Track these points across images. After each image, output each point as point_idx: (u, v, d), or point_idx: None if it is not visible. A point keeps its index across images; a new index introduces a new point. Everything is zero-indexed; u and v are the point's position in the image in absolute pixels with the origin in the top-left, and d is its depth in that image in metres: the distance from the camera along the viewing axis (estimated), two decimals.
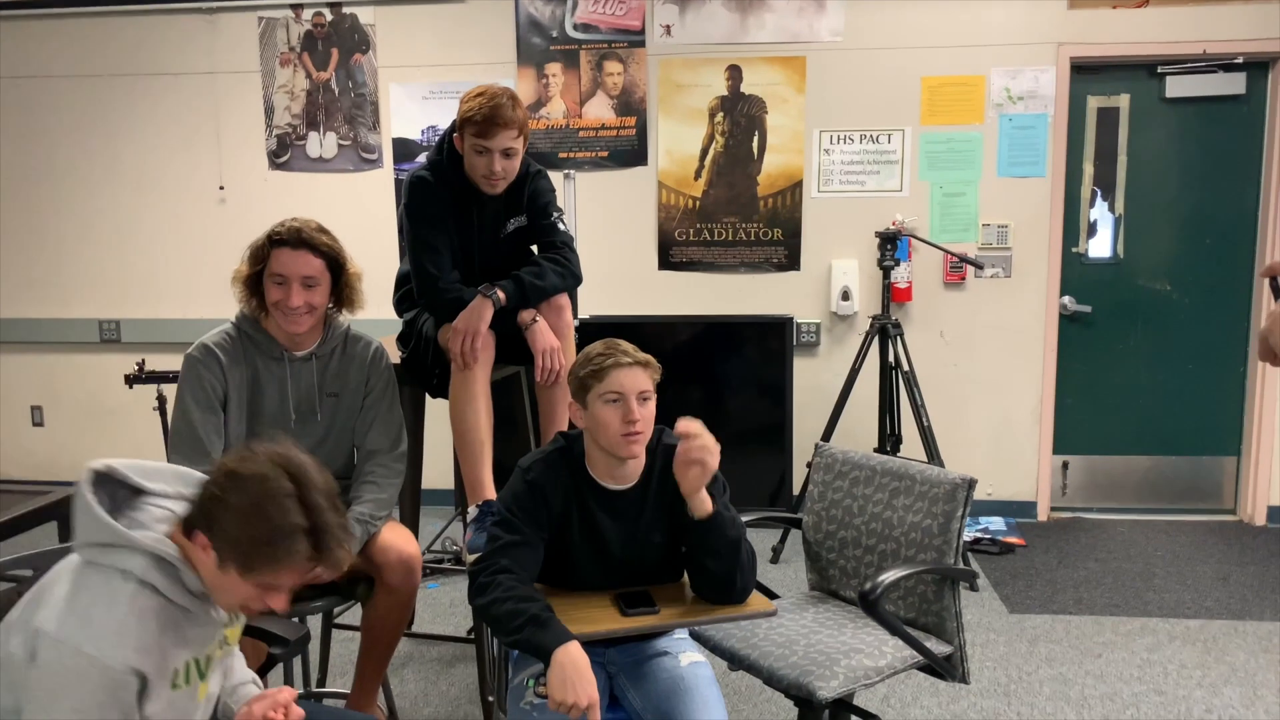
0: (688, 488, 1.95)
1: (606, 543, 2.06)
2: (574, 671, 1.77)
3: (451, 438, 2.55)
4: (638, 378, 1.98)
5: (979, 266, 4.30)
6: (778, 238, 4.62)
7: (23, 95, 4.89)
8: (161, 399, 4.07)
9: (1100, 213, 4.62)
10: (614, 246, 4.66)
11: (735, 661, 2.35)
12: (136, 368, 4.06)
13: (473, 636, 3.20)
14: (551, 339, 2.52)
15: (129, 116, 4.86)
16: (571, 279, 2.59)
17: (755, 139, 4.58)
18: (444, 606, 3.77)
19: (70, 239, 4.97)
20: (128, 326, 4.95)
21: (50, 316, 5.02)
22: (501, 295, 2.46)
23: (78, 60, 4.83)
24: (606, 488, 2.05)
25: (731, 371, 4.57)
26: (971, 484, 2.34)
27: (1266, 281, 1.66)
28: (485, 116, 2.40)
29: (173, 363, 4.18)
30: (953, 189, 4.53)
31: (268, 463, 1.49)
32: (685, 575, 2.12)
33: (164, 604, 1.52)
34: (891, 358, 4.13)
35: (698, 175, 4.62)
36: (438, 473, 4.16)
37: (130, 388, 4.06)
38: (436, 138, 4.18)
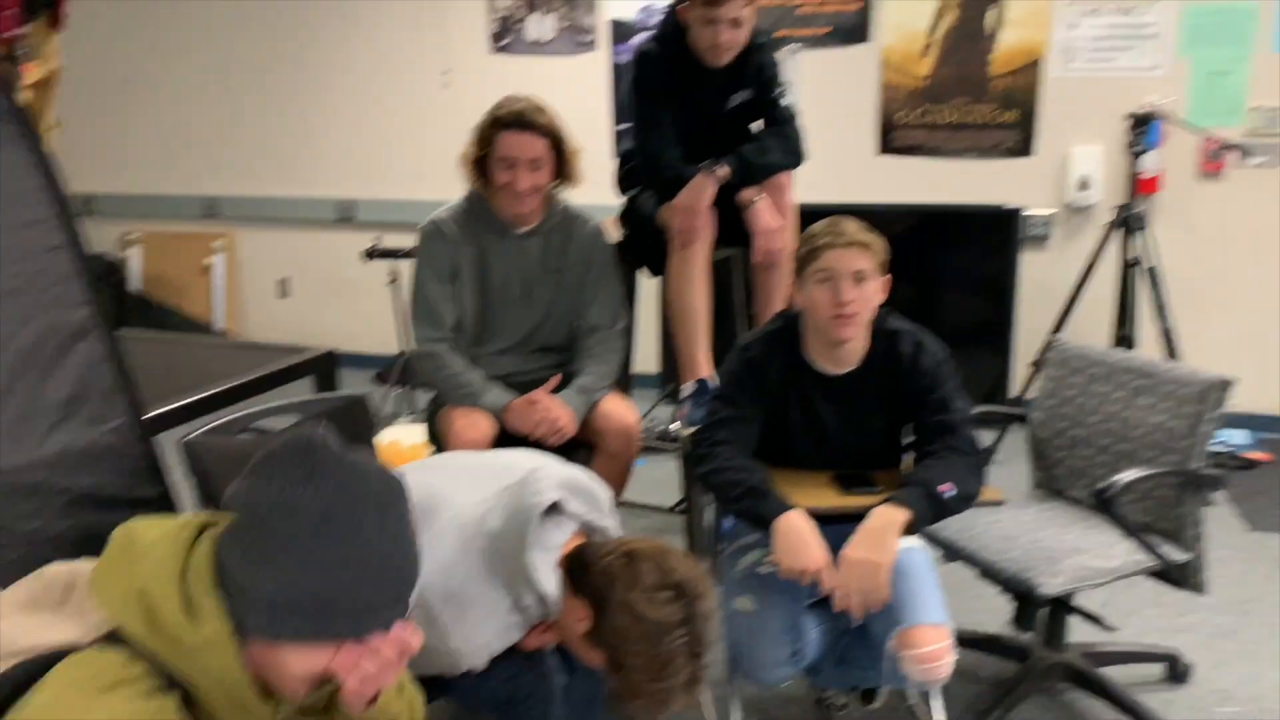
0: None
1: (824, 426, 2.04)
2: (798, 538, 1.78)
3: (658, 321, 2.58)
4: (853, 258, 1.91)
5: (1245, 153, 3.86)
6: (1010, 121, 4.31)
7: None
8: (394, 274, 4.32)
9: None
10: (831, 129, 4.47)
11: (952, 552, 2.31)
12: (373, 243, 4.32)
13: (682, 508, 3.29)
14: (772, 219, 2.48)
15: None
16: (795, 157, 2.53)
17: (991, 13, 4.24)
18: (650, 482, 3.88)
19: (311, 121, 5.29)
20: (363, 206, 5.26)
21: (294, 195, 5.39)
22: (724, 172, 2.43)
23: None
24: (824, 371, 2.02)
25: (952, 264, 4.36)
26: (1226, 385, 2.17)
27: None
28: None
29: (404, 241, 4.43)
30: (1218, 67, 4.06)
31: (674, 603, 1.47)
32: (906, 460, 2.08)
33: (523, 626, 1.60)
34: (1132, 254, 3.82)
35: (925, 53, 4.34)
36: (643, 356, 4.24)
37: (367, 262, 4.34)
38: (653, 19, 4.13)
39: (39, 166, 1.92)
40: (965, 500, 1.88)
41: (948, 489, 1.83)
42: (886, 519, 1.80)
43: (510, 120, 2.33)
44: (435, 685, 1.63)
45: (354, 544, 1.02)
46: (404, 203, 5.11)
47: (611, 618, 1.49)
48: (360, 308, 5.35)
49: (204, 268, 5.54)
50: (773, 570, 1.86)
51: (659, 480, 3.91)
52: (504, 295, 2.48)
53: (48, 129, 2.72)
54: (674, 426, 2.44)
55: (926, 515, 1.82)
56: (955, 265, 4.35)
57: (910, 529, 1.81)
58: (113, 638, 1.06)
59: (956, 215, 4.34)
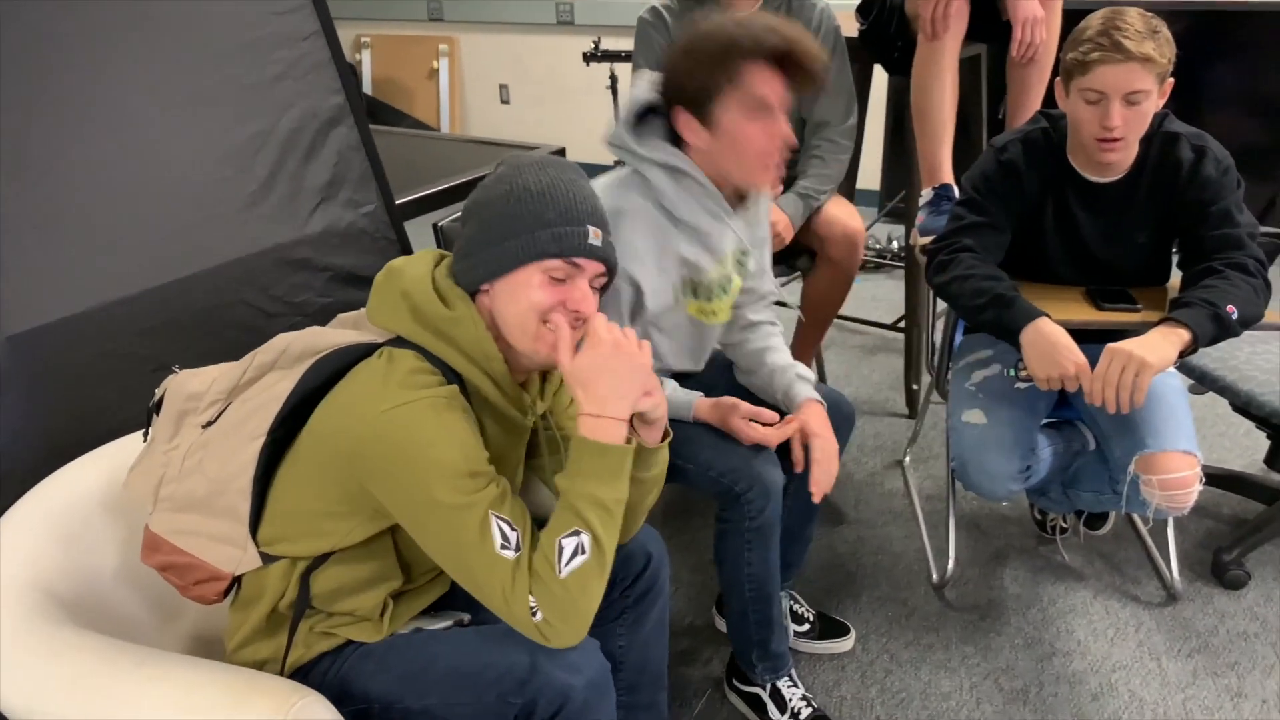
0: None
1: (1083, 239, 1.89)
2: (1050, 345, 1.69)
3: (884, 132, 2.41)
4: (1130, 76, 1.66)
5: None
6: None
7: None
8: (613, 78, 4.27)
9: None
10: None
11: (1206, 382, 2.14)
12: (593, 45, 4.26)
13: (900, 327, 3.21)
14: (1035, 7, 2.23)
15: None
16: None
17: None
18: (866, 300, 3.81)
19: None
20: (580, 9, 5.18)
21: None
22: None
23: None
24: (1088, 179, 1.85)
25: (1223, 75, 3.85)
26: None
27: None
28: None
29: (624, 43, 4.35)
30: None
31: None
32: (1172, 279, 1.91)
33: (661, 211, 1.60)
34: None
35: None
36: (863, 171, 4.06)
37: (587, 65, 4.30)
38: None
39: None
40: (1246, 324, 1.70)
41: (1232, 310, 1.66)
42: (1163, 334, 1.65)
43: None
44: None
45: (513, 184, 1.24)
46: (623, 3, 4.98)
47: (677, 70, 1.55)
48: (579, 114, 5.36)
49: (430, 72, 5.67)
50: (1030, 384, 1.76)
51: (877, 298, 3.83)
52: None
53: None
54: (915, 240, 2.32)
55: (1208, 336, 1.66)
56: (1227, 76, 3.86)
57: (1189, 350, 1.66)
58: (398, 344, 1.25)
59: (1235, 14, 3.79)
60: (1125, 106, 1.69)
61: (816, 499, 1.70)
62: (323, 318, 1.60)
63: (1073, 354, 1.67)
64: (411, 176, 2.59)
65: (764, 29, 1.51)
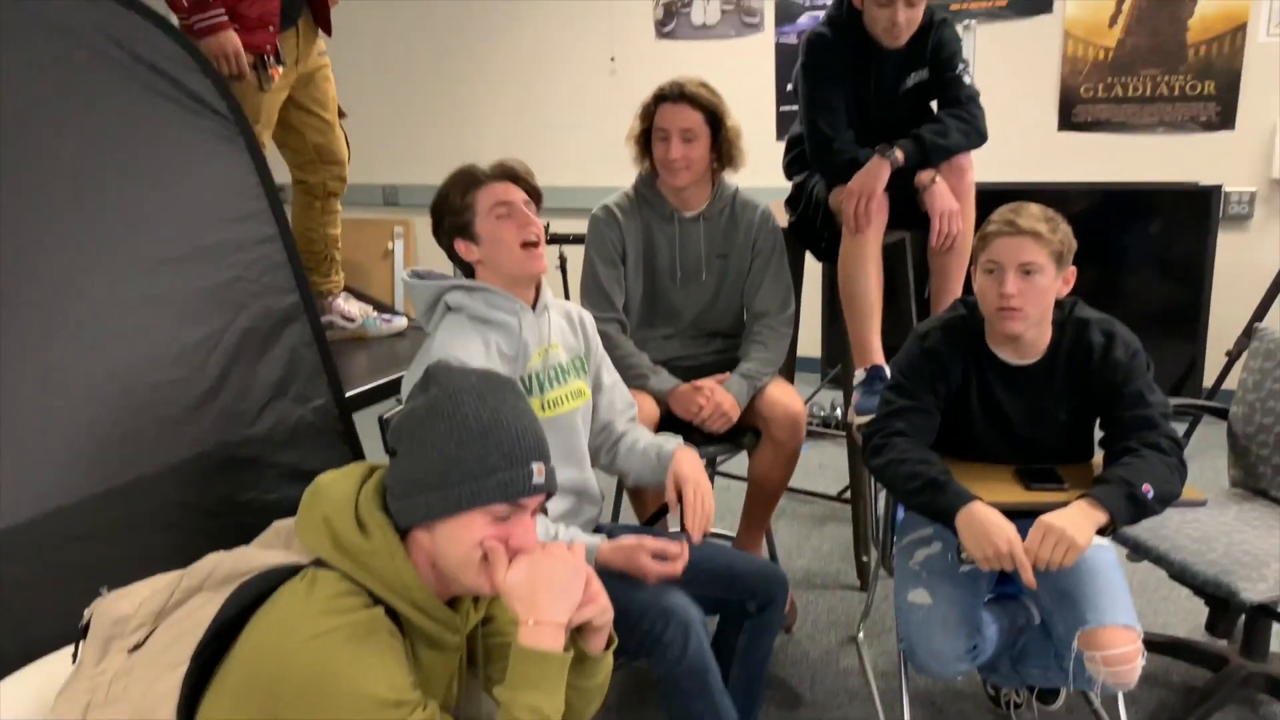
0: None
1: (1007, 418, 1.97)
2: (982, 527, 1.74)
3: (822, 303, 2.54)
4: (1021, 249, 1.81)
5: None
6: (1208, 92, 4.01)
7: None
8: (562, 259, 4.42)
9: None
10: (1007, 105, 4.29)
11: (1140, 552, 2.20)
12: (543, 228, 4.44)
13: (847, 497, 3.26)
14: (951, 201, 2.41)
15: None
16: (976, 137, 2.44)
17: None
18: (814, 468, 3.87)
19: (480, 111, 5.47)
20: None
21: None
22: (899, 155, 2.37)
23: None
24: (1007, 362, 1.95)
25: (1138, 246, 4.10)
26: None
27: None
28: None
29: (572, 226, 4.54)
30: None
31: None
32: (1096, 455, 1.99)
33: (472, 320, 1.86)
34: None
35: (1113, 22, 4.10)
36: (805, 339, 4.20)
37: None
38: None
39: (252, 163, 2.08)
40: (1164, 502, 1.78)
41: (1148, 490, 1.74)
42: (1085, 513, 1.73)
43: (669, 93, 2.40)
44: None
45: (454, 421, 1.20)
46: (571, 189, 5.21)
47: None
48: None
49: (385, 252, 5.83)
50: (972, 566, 1.81)
51: (823, 465, 3.89)
52: (670, 279, 2.51)
53: (330, 121, 3.22)
54: (852, 420, 2.40)
55: (1125, 516, 1.74)
56: (1141, 247, 4.10)
57: (1108, 530, 1.73)
58: (321, 564, 1.23)
59: (1145, 194, 4.08)
60: (1020, 277, 1.82)
61: (695, 540, 1.78)
62: (267, 516, 1.61)
63: (1005, 532, 1.73)
64: (367, 366, 2.65)
65: (486, 166, 1.93)
